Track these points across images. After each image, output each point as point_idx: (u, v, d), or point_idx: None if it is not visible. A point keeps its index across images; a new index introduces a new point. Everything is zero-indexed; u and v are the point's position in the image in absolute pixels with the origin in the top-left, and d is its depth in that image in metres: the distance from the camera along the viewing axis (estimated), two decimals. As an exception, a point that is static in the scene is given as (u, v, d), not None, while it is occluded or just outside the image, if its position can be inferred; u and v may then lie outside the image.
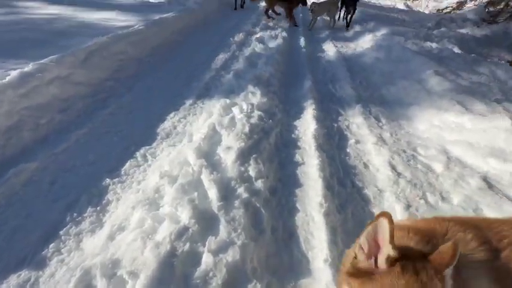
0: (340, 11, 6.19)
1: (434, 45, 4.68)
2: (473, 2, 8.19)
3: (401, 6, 9.98)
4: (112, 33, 3.75)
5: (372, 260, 0.69)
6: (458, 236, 0.76)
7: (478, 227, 0.81)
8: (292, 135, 2.51)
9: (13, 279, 1.29)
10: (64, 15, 4.63)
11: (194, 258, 1.37)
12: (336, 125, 2.72)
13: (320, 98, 3.19)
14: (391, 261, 0.65)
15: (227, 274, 1.30)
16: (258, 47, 4.54)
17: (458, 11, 8.20)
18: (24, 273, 1.31)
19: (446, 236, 0.79)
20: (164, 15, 5.05)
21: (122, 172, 1.93)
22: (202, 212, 1.59)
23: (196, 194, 1.69)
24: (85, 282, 1.26)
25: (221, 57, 4.16)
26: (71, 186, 1.80)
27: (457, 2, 8.80)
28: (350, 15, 5.91)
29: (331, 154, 2.26)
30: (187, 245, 1.40)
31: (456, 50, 4.53)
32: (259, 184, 1.84)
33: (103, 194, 1.76)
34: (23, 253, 1.40)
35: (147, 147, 2.19)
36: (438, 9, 9.05)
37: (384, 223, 0.65)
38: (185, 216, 1.54)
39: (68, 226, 1.54)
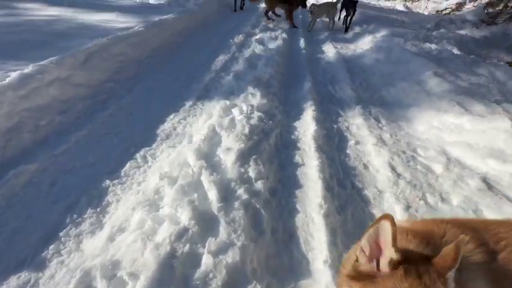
0: (340, 12, 6.21)
1: (433, 46, 4.69)
2: (472, 3, 8.22)
3: (400, 7, 10.01)
4: (111, 35, 3.76)
5: (374, 263, 0.68)
6: (461, 238, 0.75)
7: (475, 229, 0.82)
8: (292, 137, 2.51)
9: (13, 281, 1.29)
10: (63, 16, 4.64)
11: (194, 259, 1.37)
12: (336, 126, 2.73)
13: (319, 99, 3.20)
14: (394, 264, 0.65)
15: (227, 275, 1.30)
16: (258, 49, 4.55)
17: (457, 12, 8.23)
18: (24, 275, 1.31)
19: (444, 237, 0.79)
20: (164, 16, 5.06)
21: (122, 173, 1.93)
22: (202, 213, 1.59)
23: (196, 195, 1.69)
24: (85, 284, 1.26)
25: (221, 59, 4.17)
26: (71, 187, 1.80)
27: (456, 3, 8.83)
28: (349, 17, 5.92)
29: (331, 155, 2.26)
30: (187, 246, 1.40)
31: (455, 51, 4.54)
32: (259, 185, 1.84)
33: (103, 195, 1.76)
34: (23, 254, 1.40)
35: (147, 148, 2.20)
36: (437, 11, 9.08)
37: (386, 225, 0.65)
38: (185, 217, 1.54)
39: (68, 227, 1.54)
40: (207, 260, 1.35)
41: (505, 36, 5.71)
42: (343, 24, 5.76)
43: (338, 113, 2.96)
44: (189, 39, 4.93)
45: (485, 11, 7.08)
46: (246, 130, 2.33)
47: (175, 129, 2.49)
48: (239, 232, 1.49)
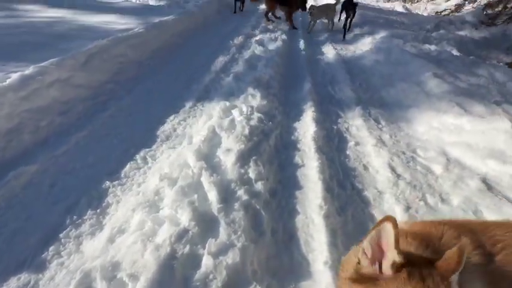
0: (340, 14, 6.21)
1: (432, 47, 4.70)
2: (471, 4, 8.24)
3: (399, 8, 10.04)
4: (112, 36, 3.77)
5: (377, 266, 0.68)
6: (464, 241, 0.75)
7: (472, 231, 0.82)
8: (292, 137, 2.51)
9: (13, 282, 1.29)
10: (64, 18, 4.65)
11: (194, 260, 1.37)
12: (335, 127, 2.73)
13: (319, 100, 3.20)
14: (397, 267, 0.64)
15: (227, 276, 1.30)
16: (258, 50, 4.55)
17: (456, 14, 8.25)
18: (24, 276, 1.31)
19: (442, 239, 0.79)
20: (164, 18, 5.08)
21: (122, 174, 1.93)
22: (202, 214, 1.59)
23: (196, 196, 1.69)
24: (85, 285, 1.26)
25: (221, 60, 4.18)
26: (71, 188, 1.81)
27: (456, 5, 8.86)
28: (350, 19, 5.92)
29: (331, 156, 2.26)
30: (187, 247, 1.40)
31: (455, 52, 4.55)
32: (259, 186, 1.84)
33: (103, 196, 1.76)
34: (23, 256, 1.40)
35: (147, 149, 2.20)
36: (436, 12, 9.10)
37: (388, 228, 0.64)
38: (185, 218, 1.54)
39: (68, 229, 1.54)
40: (207, 261, 1.35)
41: (504, 37, 5.73)
42: (343, 28, 5.76)
43: (338, 114, 2.97)
44: (189, 41, 4.94)
45: (484, 12, 7.10)
46: (246, 131, 2.33)
47: (175, 130, 2.50)
48: (239, 233, 1.49)
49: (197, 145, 2.13)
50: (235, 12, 7.55)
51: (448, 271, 0.63)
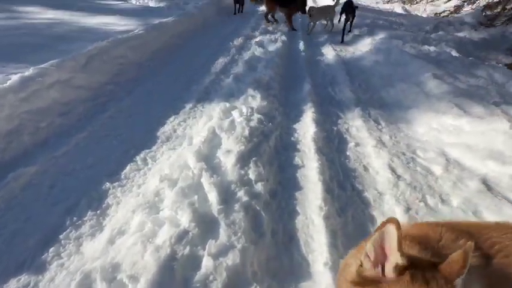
0: (340, 16, 6.21)
1: (432, 48, 4.71)
2: (470, 5, 8.27)
3: (399, 10, 10.07)
4: (112, 38, 3.78)
5: (379, 268, 0.66)
6: (468, 244, 0.73)
7: (469, 233, 0.81)
8: (292, 138, 2.52)
9: (13, 284, 1.29)
10: (64, 20, 4.66)
11: (194, 261, 1.37)
12: (335, 128, 2.73)
13: (319, 101, 3.21)
14: (400, 270, 0.63)
15: (227, 278, 1.30)
16: (258, 51, 4.56)
17: (455, 15, 8.27)
18: (24, 278, 1.31)
19: (440, 242, 0.78)
20: (164, 19, 5.09)
21: (122, 176, 1.93)
22: (202, 215, 1.59)
23: (196, 197, 1.69)
24: (85, 286, 1.26)
25: (221, 61, 4.18)
26: (70, 189, 1.80)
27: (455, 6, 8.89)
28: (350, 22, 5.92)
29: (331, 157, 2.27)
30: (187, 248, 1.40)
31: (454, 53, 4.56)
32: (259, 187, 1.84)
33: (103, 197, 1.76)
34: (23, 257, 1.40)
35: (147, 150, 2.20)
36: (436, 13, 9.13)
37: (391, 230, 0.63)
38: (185, 219, 1.54)
39: (68, 230, 1.54)
40: (207, 263, 1.35)
41: (503, 38, 5.74)
42: (342, 30, 5.77)
43: (338, 115, 2.97)
44: (189, 42, 4.95)
45: (483, 14, 7.12)
46: (246, 132, 2.33)
47: (175, 131, 2.50)
48: (239, 234, 1.49)
49: (197, 146, 2.13)
50: (235, 13, 7.57)
51: (452, 274, 0.62)
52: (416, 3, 10.54)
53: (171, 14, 5.62)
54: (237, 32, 5.77)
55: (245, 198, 1.72)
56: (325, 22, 6.65)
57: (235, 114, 2.65)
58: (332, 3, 6.52)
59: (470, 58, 4.35)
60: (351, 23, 6.00)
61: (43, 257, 1.40)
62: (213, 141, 2.26)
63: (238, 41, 5.13)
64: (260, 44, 4.94)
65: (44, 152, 2.06)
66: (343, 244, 1.53)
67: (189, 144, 2.26)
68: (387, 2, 11.31)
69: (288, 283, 1.36)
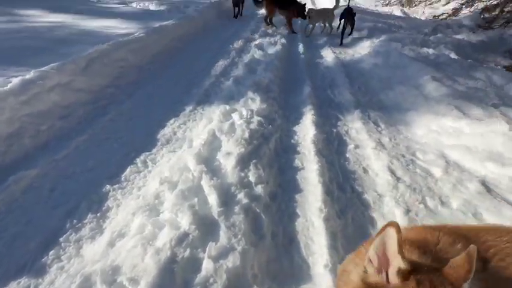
0: (339, 22, 6.21)
1: (430, 51, 4.74)
2: (468, 8, 8.31)
3: (397, 12, 10.12)
4: (112, 41, 3.80)
5: (384, 274, 0.64)
6: (472, 247, 0.71)
7: (466, 236, 0.81)
8: (292, 141, 2.52)
9: (13, 286, 1.29)
10: (65, 23, 4.69)
11: (194, 264, 1.37)
12: (335, 130, 2.74)
13: (318, 104, 3.22)
14: (403, 275, 0.61)
15: (227, 280, 1.30)
16: (257, 54, 4.58)
17: (454, 17, 8.32)
18: (24, 281, 1.31)
19: (438, 245, 0.78)
20: (164, 22, 5.12)
21: (123, 178, 1.94)
22: (202, 217, 1.59)
23: (196, 199, 1.70)
24: (85, 289, 1.26)
25: (221, 64, 4.20)
26: (71, 192, 1.81)
27: (453, 9, 8.93)
28: (350, 28, 5.92)
29: (330, 159, 2.27)
30: (188, 251, 1.40)
31: (452, 55, 4.59)
32: (259, 189, 1.84)
33: (103, 200, 1.76)
34: (23, 260, 1.40)
35: (147, 153, 2.20)
36: (434, 16, 9.18)
37: (391, 233, 0.61)
38: (185, 222, 1.54)
39: (68, 233, 1.54)
40: (207, 265, 1.35)
41: (502, 41, 5.77)
42: (341, 33, 5.80)
43: (337, 117, 2.98)
44: (189, 45, 4.97)
45: (482, 16, 7.16)
46: (246, 135, 2.34)
47: (175, 134, 2.51)
48: (239, 237, 1.49)
49: (197, 149, 2.14)
50: (235, 17, 7.61)
51: (459, 279, 0.60)
52: (415, 5, 10.60)
53: (171, 17, 5.65)
54: (237, 35, 5.80)
55: (245, 201, 1.72)
56: (323, 25, 6.69)
57: (235, 116, 2.66)
58: (331, 6, 6.56)
59: (469, 60, 4.37)
60: (351, 29, 6.02)
61: (43, 259, 1.40)
62: (213, 144, 2.27)
63: (238, 44, 5.16)
64: (260, 47, 4.97)
65: (45, 155, 2.07)
66: (343, 246, 1.53)
67: (189, 146, 2.27)
68: (386, 5, 11.38)
69: (289, 285, 1.36)
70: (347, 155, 2.36)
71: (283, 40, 5.53)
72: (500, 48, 5.54)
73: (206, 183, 1.82)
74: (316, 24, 6.56)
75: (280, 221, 1.70)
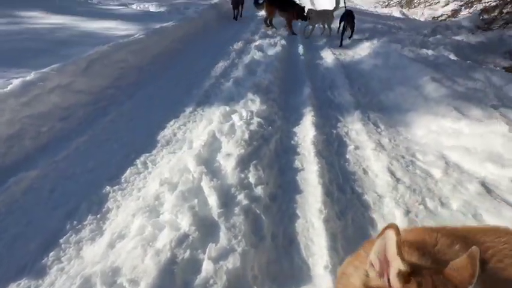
0: (339, 25, 6.22)
1: (430, 52, 4.75)
2: (467, 10, 8.34)
3: (397, 14, 10.15)
4: (113, 42, 3.80)
5: (386, 278, 0.63)
6: (475, 249, 0.69)
7: (464, 237, 0.81)
8: (292, 142, 2.53)
9: (13, 288, 1.29)
10: (65, 24, 4.70)
11: (194, 265, 1.37)
12: (335, 131, 2.74)
13: (318, 105, 3.22)
14: (404, 277, 0.59)
15: (227, 281, 1.30)
16: (257, 55, 4.59)
17: (453, 19, 8.34)
18: (24, 282, 1.31)
19: (436, 246, 0.77)
20: (165, 24, 5.13)
21: (123, 179, 1.94)
22: (202, 219, 1.59)
23: (196, 201, 1.70)
24: (85, 291, 1.26)
25: (220, 65, 4.21)
26: (71, 193, 1.81)
27: (452, 10, 8.96)
28: (350, 31, 5.92)
29: (330, 160, 2.27)
30: (188, 252, 1.40)
31: (452, 56, 4.60)
32: (259, 191, 1.84)
33: (103, 201, 1.76)
34: (23, 261, 1.40)
35: (147, 154, 2.21)
36: (433, 17, 9.20)
37: (390, 235, 0.61)
38: (185, 223, 1.54)
39: (68, 234, 1.54)
40: (207, 266, 1.35)
41: (501, 42, 5.79)
42: (341, 35, 5.81)
43: (337, 118, 2.99)
44: (189, 46, 4.98)
45: (481, 18, 7.18)
46: (246, 136, 2.34)
47: (175, 135, 2.51)
48: (239, 238, 1.49)
49: (197, 150, 2.14)
50: (235, 19, 7.62)
51: (463, 282, 0.59)
52: (414, 7, 10.63)
53: (171, 18, 5.66)
54: (237, 36, 5.81)
55: (245, 202, 1.72)
56: (322, 26, 6.70)
57: (235, 118, 2.66)
58: (331, 8, 6.58)
59: (468, 61, 4.38)
60: (351, 32, 6.03)
61: (43, 261, 1.40)
62: (213, 145, 2.27)
63: (238, 45, 5.17)
64: (260, 48, 4.97)
65: (45, 156, 2.07)
66: (343, 247, 1.53)
67: (189, 148, 2.27)
68: (386, 6, 11.41)
69: (289, 286, 1.36)
70: (347, 156, 2.36)
71: (283, 41, 5.54)
72: (499, 50, 5.55)
73: (206, 185, 1.82)
74: (316, 25, 6.58)
75: (280, 222, 1.71)
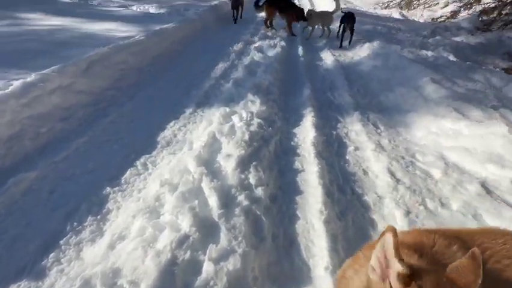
0: (339, 27, 6.22)
1: (429, 53, 4.76)
2: (466, 11, 8.37)
3: (396, 15, 10.18)
4: (113, 44, 3.81)
5: (387, 283, 0.62)
6: (476, 251, 0.67)
7: (462, 239, 0.81)
8: (292, 143, 2.53)
9: (12, 290, 1.28)
10: (66, 26, 4.70)
11: (195, 266, 1.37)
12: (335, 132, 2.75)
13: (318, 106, 3.23)
14: (404, 280, 0.58)
15: (228, 283, 1.30)
16: (257, 56, 4.60)
17: (452, 20, 8.37)
18: (23, 284, 1.30)
19: (434, 248, 0.77)
20: (165, 25, 5.14)
21: (123, 180, 1.94)
22: (202, 220, 1.59)
23: (196, 202, 1.70)
24: (85, 292, 1.25)
25: (220, 66, 4.22)
26: (70, 194, 1.81)
27: (451, 11, 9.00)
28: (350, 33, 5.92)
29: (330, 161, 2.27)
30: (188, 253, 1.40)
31: (451, 57, 4.61)
32: (259, 192, 1.84)
33: (103, 202, 1.76)
34: (23, 263, 1.39)
35: (147, 155, 2.21)
36: (433, 18, 9.23)
37: (388, 238, 0.60)
38: (186, 224, 1.54)
39: (68, 235, 1.53)
40: (208, 267, 1.34)
41: (500, 43, 5.81)
42: (341, 36, 5.81)
43: (337, 119, 2.99)
44: (189, 48, 4.99)
45: (480, 19, 7.21)
46: (246, 137, 2.34)
47: (175, 136, 2.51)
48: (240, 239, 1.49)
49: (197, 151, 2.14)
50: (234, 19, 7.64)
51: (468, 285, 0.58)
52: (414, 8, 10.67)
53: (172, 20, 5.68)
54: (237, 38, 5.82)
55: (245, 203, 1.72)
56: (322, 28, 6.72)
57: (235, 119, 2.66)
58: (330, 9, 6.60)
59: (468, 62, 4.40)
60: (351, 35, 6.03)
61: (43, 262, 1.39)
62: (213, 146, 2.27)
63: (237, 47, 5.18)
64: (259, 50, 4.98)
65: (45, 157, 2.07)
66: (343, 248, 1.53)
67: (189, 149, 2.27)
68: (385, 8, 11.45)
69: (289, 288, 1.35)
70: (347, 157, 2.36)
71: (282, 43, 5.55)
72: (498, 50, 5.57)
73: (206, 186, 1.82)
74: (316, 26, 6.59)
75: (280, 223, 1.70)
